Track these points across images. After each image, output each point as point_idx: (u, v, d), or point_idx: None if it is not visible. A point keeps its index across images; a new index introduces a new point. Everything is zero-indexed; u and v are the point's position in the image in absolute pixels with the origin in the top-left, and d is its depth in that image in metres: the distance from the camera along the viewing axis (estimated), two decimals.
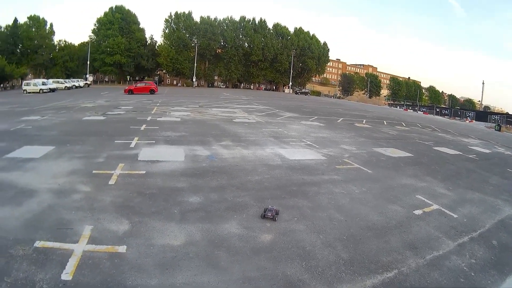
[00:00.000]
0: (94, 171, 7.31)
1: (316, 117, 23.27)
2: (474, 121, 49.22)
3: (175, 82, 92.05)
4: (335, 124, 20.16)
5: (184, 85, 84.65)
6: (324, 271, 4.17)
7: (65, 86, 48.35)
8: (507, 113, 57.21)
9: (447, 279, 4.33)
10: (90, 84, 64.27)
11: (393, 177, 8.94)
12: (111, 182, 6.69)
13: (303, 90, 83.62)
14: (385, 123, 24.36)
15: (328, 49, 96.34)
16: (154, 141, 10.85)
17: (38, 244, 4.20)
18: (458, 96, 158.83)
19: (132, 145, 10.10)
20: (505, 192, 9.01)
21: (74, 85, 51.58)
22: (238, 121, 17.53)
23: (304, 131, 15.88)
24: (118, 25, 74.64)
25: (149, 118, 16.46)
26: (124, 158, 8.57)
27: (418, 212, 6.56)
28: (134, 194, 6.12)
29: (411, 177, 9.15)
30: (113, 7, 77.23)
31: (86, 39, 78.56)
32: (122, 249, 4.24)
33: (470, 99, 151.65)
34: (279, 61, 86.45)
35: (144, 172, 7.47)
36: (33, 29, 69.56)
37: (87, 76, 67.86)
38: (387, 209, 6.51)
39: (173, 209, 5.56)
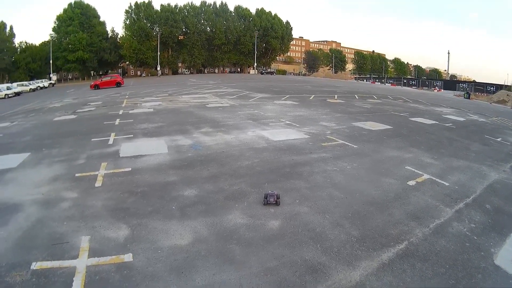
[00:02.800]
0: (77, 174, 6.80)
1: (287, 96, 23.18)
2: (442, 90, 50.61)
3: (139, 73, 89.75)
4: (308, 102, 20.17)
5: (149, 74, 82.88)
6: (340, 251, 4.14)
7: (30, 88, 45.85)
8: (474, 81, 59.61)
9: (453, 244, 4.47)
10: (55, 84, 61.44)
11: (379, 151, 9.04)
12: (98, 184, 6.26)
13: (269, 70, 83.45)
14: (356, 97, 24.62)
15: (291, 27, 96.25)
16: (132, 135, 10.34)
17: (35, 266, 3.77)
18: (423, 66, 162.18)
19: (110, 142, 9.58)
20: (488, 158, 9.35)
21: (38, 86, 49.30)
22: (212, 106, 17.14)
23: (280, 110, 15.77)
24: (78, 20, 71.50)
25: (121, 112, 15.77)
26: (105, 156, 8.09)
27: (411, 183, 6.68)
28: (125, 194, 5.76)
29: (396, 149, 9.29)
30: (72, 3, 73.84)
31: (47, 38, 74.86)
32: (128, 257, 3.93)
33: (436, 69, 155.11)
34: (243, 43, 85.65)
35: (129, 169, 7.07)
36: None
37: (51, 75, 64.99)
38: (382, 183, 6.58)
39: (170, 206, 5.28)
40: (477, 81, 59.53)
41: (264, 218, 4.93)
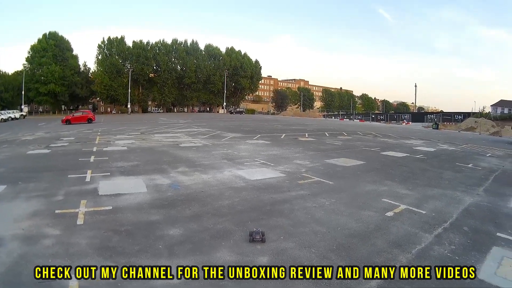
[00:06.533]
0: (57, 211, 6.63)
1: (259, 135, 23.75)
2: (410, 123, 53.33)
3: (109, 110, 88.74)
4: (280, 141, 20.69)
5: (119, 112, 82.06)
6: (331, 282, 4.24)
7: (1, 118, 45.30)
8: (442, 111, 63.10)
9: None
10: (26, 115, 59.65)
11: (355, 186, 9.38)
12: (80, 221, 6.11)
13: (238, 110, 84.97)
14: (327, 135, 25.56)
15: (260, 66, 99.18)
16: (109, 173, 10.26)
17: None
18: (391, 100, 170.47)
19: (88, 179, 9.45)
20: (461, 184, 10.04)
21: (10, 116, 48.77)
22: (185, 146, 17.29)
23: (253, 150, 16.07)
24: (52, 52, 71.03)
25: (95, 149, 15.64)
26: (84, 193, 7.95)
27: (389, 214, 6.99)
28: (109, 232, 5.64)
29: (371, 183, 9.69)
30: (47, 34, 73.55)
31: (20, 67, 74.28)
32: None
33: (404, 102, 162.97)
34: (212, 82, 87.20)
35: (110, 207, 6.95)
36: None
37: (23, 107, 63.12)
38: (361, 215, 6.83)
39: (157, 245, 5.21)
40: (444, 111, 62.92)
41: (252, 255, 4.97)
